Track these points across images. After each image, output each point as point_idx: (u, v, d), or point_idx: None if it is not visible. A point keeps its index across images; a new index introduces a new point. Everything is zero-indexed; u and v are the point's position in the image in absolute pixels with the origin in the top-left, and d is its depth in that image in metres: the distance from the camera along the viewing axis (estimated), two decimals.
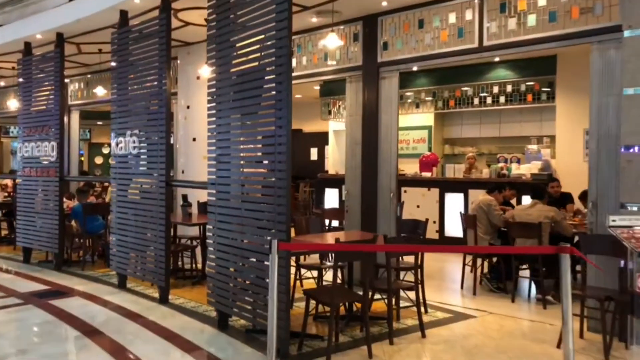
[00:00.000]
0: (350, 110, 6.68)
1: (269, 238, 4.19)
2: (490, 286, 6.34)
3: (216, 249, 4.82)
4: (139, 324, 4.99)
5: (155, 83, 5.78)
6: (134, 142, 6.04)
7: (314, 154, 14.63)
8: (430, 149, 11.16)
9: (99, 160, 19.83)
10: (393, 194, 6.28)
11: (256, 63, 4.36)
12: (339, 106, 11.88)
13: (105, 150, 20.02)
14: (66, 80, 10.86)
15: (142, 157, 6.02)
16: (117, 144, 6.32)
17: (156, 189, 5.74)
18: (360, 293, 4.24)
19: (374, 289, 4.39)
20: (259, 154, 4.44)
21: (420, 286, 4.78)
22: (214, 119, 4.92)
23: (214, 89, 4.92)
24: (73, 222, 7.86)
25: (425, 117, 11.50)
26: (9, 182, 11.39)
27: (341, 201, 10.46)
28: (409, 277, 5.43)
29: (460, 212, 6.72)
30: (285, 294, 3.92)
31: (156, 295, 5.90)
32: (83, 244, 7.64)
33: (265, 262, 4.16)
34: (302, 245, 3.90)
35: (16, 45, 8.20)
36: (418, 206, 9.43)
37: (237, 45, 4.62)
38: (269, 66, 4.23)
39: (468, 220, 6.46)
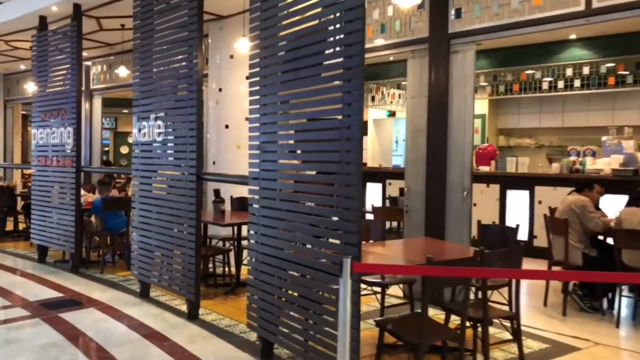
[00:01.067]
0: (412, 92, 5.62)
1: (325, 250, 3.21)
2: (582, 305, 5.24)
3: (258, 260, 3.86)
4: (163, 349, 4.06)
5: (184, 63, 4.82)
6: (158, 127, 5.11)
7: None
8: (486, 140, 10.01)
9: (124, 150, 19.17)
10: (467, 192, 5.22)
11: (316, 21, 3.35)
12: (383, 92, 10.79)
13: (131, 140, 19.41)
14: (88, 63, 10.06)
15: (168, 145, 5.09)
16: (139, 130, 5.40)
17: (185, 183, 4.80)
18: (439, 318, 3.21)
19: (466, 318, 3.36)
20: (317, 141, 3.44)
21: (517, 313, 3.73)
22: (257, 97, 3.94)
23: (257, 60, 3.94)
24: (92, 218, 7.02)
25: (478, 104, 10.33)
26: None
27: (385, 198, 9.45)
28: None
29: (545, 215, 5.61)
30: (358, 329, 2.92)
31: (184, 308, 4.99)
32: (102, 242, 6.78)
33: (318, 280, 3.19)
34: (386, 267, 2.87)
35: (32, 20, 7.36)
36: (475, 204, 8.32)
37: (288, 1, 3.62)
38: (335, 23, 3.21)
39: (556, 224, 5.35)
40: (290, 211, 3.58)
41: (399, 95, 10.92)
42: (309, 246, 3.46)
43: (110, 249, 7.08)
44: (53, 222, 6.87)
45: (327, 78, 3.30)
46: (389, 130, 12.69)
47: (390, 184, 9.56)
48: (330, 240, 3.17)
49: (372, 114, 12.09)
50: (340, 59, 3.14)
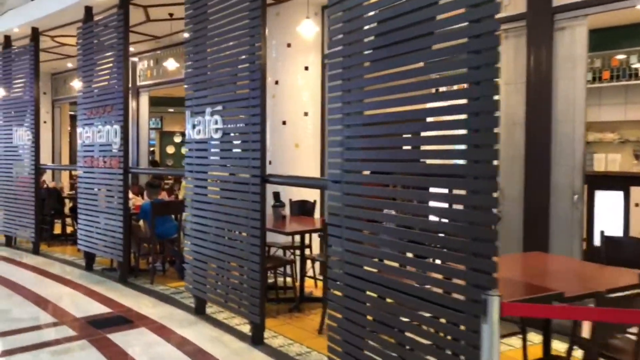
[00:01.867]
0: (506, 78, 4.80)
1: (437, 276, 2.48)
2: None
3: (343, 282, 3.16)
4: None
5: (246, 51, 4.18)
6: (215, 123, 4.49)
7: None
8: None
9: (170, 149, 18.93)
10: (578, 196, 4.37)
11: None
12: None
13: (177, 139, 19.12)
14: (134, 59, 9.63)
15: (227, 143, 4.46)
16: (193, 126, 4.79)
17: (248, 187, 4.15)
18: None
19: None
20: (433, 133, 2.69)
21: None
22: (338, 82, 3.23)
23: (339, 36, 3.23)
24: (141, 222, 6.51)
25: None
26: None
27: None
28: None
29: None
30: None
31: (245, 329, 4.36)
32: (152, 249, 6.25)
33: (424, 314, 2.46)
34: (550, 309, 2.08)
35: (77, 12, 6.91)
36: None
37: None
38: None
39: None
40: (386, 222, 2.86)
41: None
42: (410, 267, 2.73)
43: (159, 257, 6.55)
44: (100, 228, 6.38)
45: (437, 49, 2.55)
46: None
47: None
48: (450, 264, 2.44)
49: None
50: (465, 23, 2.39)
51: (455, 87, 2.58)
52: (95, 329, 4.48)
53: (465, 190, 2.35)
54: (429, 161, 2.57)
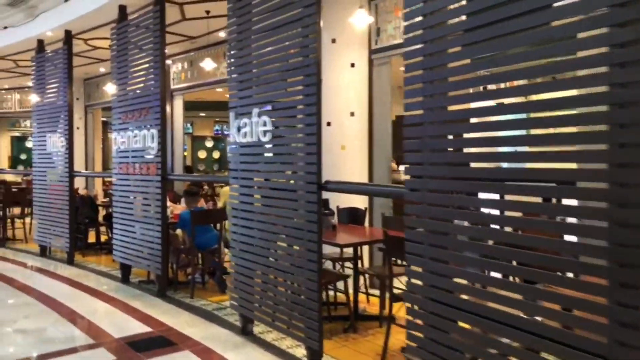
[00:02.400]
0: None
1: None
2: None
3: (428, 310, 2.67)
4: None
5: (298, 45, 3.75)
6: (264, 124, 4.06)
7: None
8: None
9: (202, 154, 18.74)
10: None
11: None
12: None
13: (209, 144, 18.94)
14: (168, 62, 9.34)
15: (278, 146, 4.03)
16: (238, 129, 4.38)
17: (302, 194, 3.71)
18: None
19: None
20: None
21: None
22: (419, 71, 2.76)
23: (419, 19, 2.75)
24: (178, 231, 6.15)
25: None
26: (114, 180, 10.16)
27: None
28: None
29: None
30: None
31: (298, 352, 3.91)
32: (191, 261, 5.86)
33: None
34: None
35: (111, 12, 6.61)
36: None
37: None
38: None
39: None
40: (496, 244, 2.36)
41: None
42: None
43: (199, 268, 6.16)
44: (136, 238, 6.04)
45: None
46: None
47: None
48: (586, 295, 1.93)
49: None
50: None
51: (582, 73, 2.07)
52: (136, 352, 4.09)
53: (608, 202, 1.85)
54: (553, 165, 2.07)
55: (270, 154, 4.08)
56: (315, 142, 3.57)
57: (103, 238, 8.91)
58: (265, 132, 4.06)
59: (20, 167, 18.84)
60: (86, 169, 11.78)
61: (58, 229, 7.75)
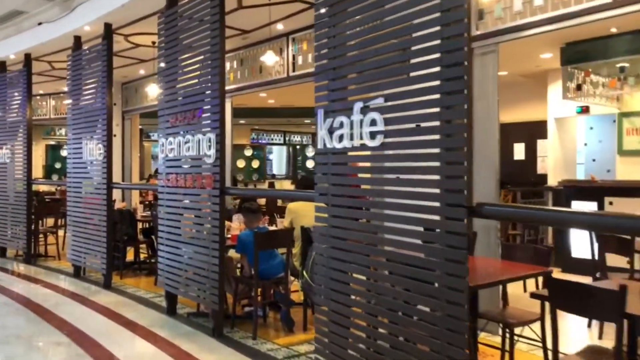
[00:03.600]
0: None
1: None
2: None
3: None
4: None
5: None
6: (372, 123, 3.01)
7: (519, 151, 10.94)
8: None
9: (240, 163, 17.87)
10: None
11: None
12: (591, 80, 8.10)
13: (248, 152, 18.11)
14: None
15: (396, 151, 2.96)
16: (330, 131, 3.33)
17: (441, 222, 2.61)
18: None
19: None
20: None
21: None
22: None
23: None
24: (233, 253, 5.16)
25: None
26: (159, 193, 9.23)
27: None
28: None
29: None
30: None
31: None
32: (255, 293, 4.83)
33: None
34: None
35: (157, 1, 5.71)
36: None
37: None
38: None
39: None
40: None
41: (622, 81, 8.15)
42: None
43: (261, 303, 5.12)
44: (187, 264, 5.06)
45: None
46: (571, 132, 9.95)
47: (612, 203, 6.92)
48: None
49: (554, 112, 9.44)
50: None
51: None
52: None
53: None
54: None
55: (386, 164, 3.01)
56: (462, 146, 2.50)
57: (142, 256, 8.02)
58: (373, 134, 3.01)
59: (55, 177, 18.30)
60: (123, 180, 10.96)
61: (94, 247, 6.86)
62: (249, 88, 7.92)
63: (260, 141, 19.25)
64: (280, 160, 20.94)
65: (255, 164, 18.18)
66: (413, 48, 2.79)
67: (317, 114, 3.46)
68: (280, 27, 6.86)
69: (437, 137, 2.61)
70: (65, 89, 7.51)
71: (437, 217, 2.62)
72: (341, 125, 3.24)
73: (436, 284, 2.61)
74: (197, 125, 4.93)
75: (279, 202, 8.36)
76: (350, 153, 3.25)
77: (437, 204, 2.61)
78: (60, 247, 9.03)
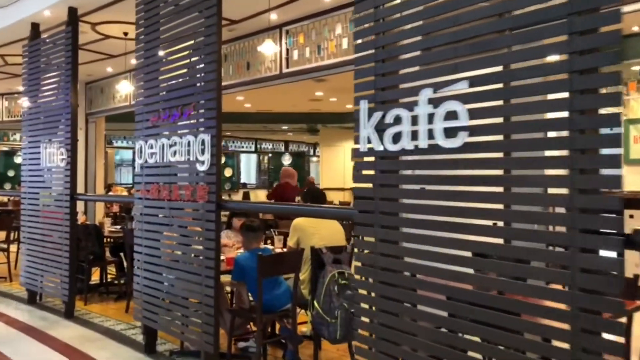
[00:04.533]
0: None
1: None
2: None
3: None
4: None
5: None
6: (447, 117, 2.23)
7: None
8: None
9: (228, 172, 16.90)
10: None
11: None
12: None
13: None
14: None
15: (489, 155, 2.19)
16: (381, 129, 2.53)
17: (576, 255, 1.85)
18: None
19: None
20: None
21: None
22: None
23: None
24: (227, 282, 4.29)
25: None
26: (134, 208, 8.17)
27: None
28: None
29: None
30: None
31: None
32: (258, 328, 3.96)
33: None
34: None
35: None
36: None
37: None
38: None
39: None
40: None
41: None
42: None
43: (265, 341, 4.23)
44: (171, 293, 4.15)
45: None
46: None
47: (632, 216, 6.37)
48: None
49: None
50: None
51: None
52: None
53: None
54: None
55: (470, 171, 2.22)
56: (615, 144, 1.75)
57: (109, 276, 7.01)
58: (449, 132, 2.23)
59: (8, 186, 16.85)
60: (86, 191, 9.85)
61: (53, 269, 5.83)
62: (232, 87, 7.04)
63: (229, 149, 18.36)
64: (249, 169, 20.06)
65: (228, 172, 17.23)
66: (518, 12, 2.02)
67: (360, 108, 2.66)
68: (274, 16, 6.05)
69: (564, 134, 1.84)
70: (21, 88, 6.48)
71: (560, 249, 1.85)
72: (398, 120, 2.45)
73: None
74: (187, 125, 4.05)
75: (264, 215, 7.52)
76: (409, 157, 2.45)
77: (562, 229, 1.84)
78: (12, 266, 7.88)
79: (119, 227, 7.32)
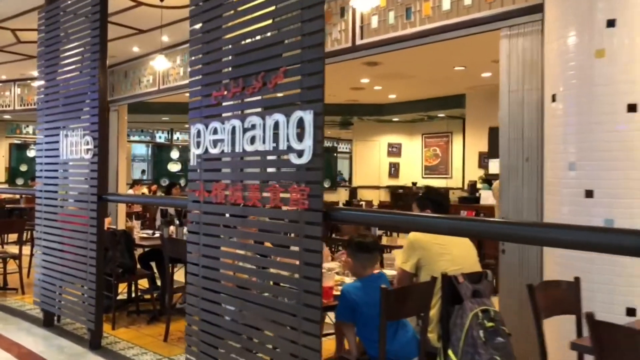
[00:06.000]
0: None
1: None
2: None
3: None
4: None
5: None
6: None
7: None
8: None
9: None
10: None
11: None
12: None
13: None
14: None
15: None
16: None
17: None
18: None
19: None
20: None
21: None
22: None
23: None
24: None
25: None
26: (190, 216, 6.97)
27: None
28: None
29: None
30: None
31: None
32: None
33: None
34: None
35: None
36: None
37: None
38: None
39: None
40: None
41: None
42: None
43: None
44: (236, 332, 2.97)
45: None
46: None
47: None
48: None
49: None
50: None
51: None
52: None
53: None
54: None
55: None
56: None
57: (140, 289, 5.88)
58: None
59: (20, 181, 15.85)
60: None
61: (75, 287, 4.70)
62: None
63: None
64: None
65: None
66: None
67: None
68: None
69: None
70: (35, 73, 5.30)
71: None
72: None
73: None
74: (273, 99, 2.86)
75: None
76: None
77: None
78: (24, 275, 6.76)
79: (150, 232, 6.18)
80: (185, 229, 5.82)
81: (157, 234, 6.06)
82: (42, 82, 5.30)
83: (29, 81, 10.26)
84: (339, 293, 2.99)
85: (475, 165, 11.98)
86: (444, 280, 2.89)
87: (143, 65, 8.23)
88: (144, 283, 5.91)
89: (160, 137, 18.90)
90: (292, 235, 2.71)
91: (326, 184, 14.79)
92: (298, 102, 2.67)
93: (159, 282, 5.76)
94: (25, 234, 7.92)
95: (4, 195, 11.37)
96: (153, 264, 5.85)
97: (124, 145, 9.57)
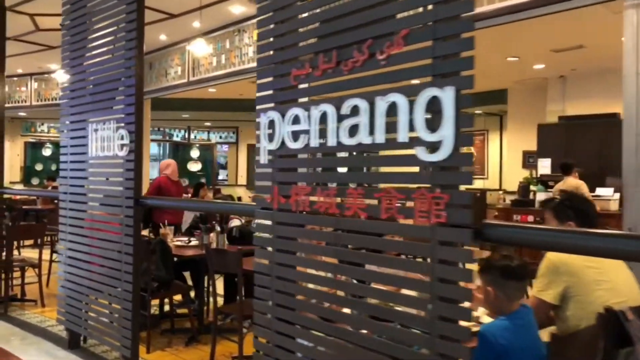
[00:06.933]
0: None
1: None
2: None
3: None
4: None
5: None
6: None
7: None
8: None
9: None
10: None
11: None
12: None
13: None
14: None
15: None
16: None
17: None
18: None
19: None
20: None
21: None
22: None
23: None
24: None
25: None
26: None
27: None
28: None
29: None
30: None
31: None
32: None
33: None
34: None
35: None
36: None
37: None
38: None
39: None
40: None
41: None
42: None
43: None
44: None
45: None
46: None
47: None
48: None
49: None
50: None
51: None
52: None
53: None
54: None
55: None
56: None
57: (169, 307, 5.20)
58: None
59: (35, 181, 15.32)
60: None
61: (105, 305, 4.03)
62: None
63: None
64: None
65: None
66: None
67: None
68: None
69: None
70: (54, 66, 4.64)
71: None
72: None
73: None
74: (385, 74, 2.15)
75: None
76: None
77: None
78: (44, 284, 6.12)
79: (184, 239, 5.51)
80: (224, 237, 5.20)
81: (193, 242, 5.40)
82: (66, 70, 4.65)
83: (46, 75, 9.66)
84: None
85: (518, 165, 11.20)
86: (609, 316, 2.17)
87: (170, 56, 7.58)
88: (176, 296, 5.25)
89: (177, 136, 18.29)
90: (419, 259, 2.01)
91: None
92: (432, 76, 1.95)
93: (191, 293, 5.14)
94: (45, 240, 7.32)
95: (18, 196, 10.78)
96: (185, 273, 5.22)
97: (148, 143, 8.94)
